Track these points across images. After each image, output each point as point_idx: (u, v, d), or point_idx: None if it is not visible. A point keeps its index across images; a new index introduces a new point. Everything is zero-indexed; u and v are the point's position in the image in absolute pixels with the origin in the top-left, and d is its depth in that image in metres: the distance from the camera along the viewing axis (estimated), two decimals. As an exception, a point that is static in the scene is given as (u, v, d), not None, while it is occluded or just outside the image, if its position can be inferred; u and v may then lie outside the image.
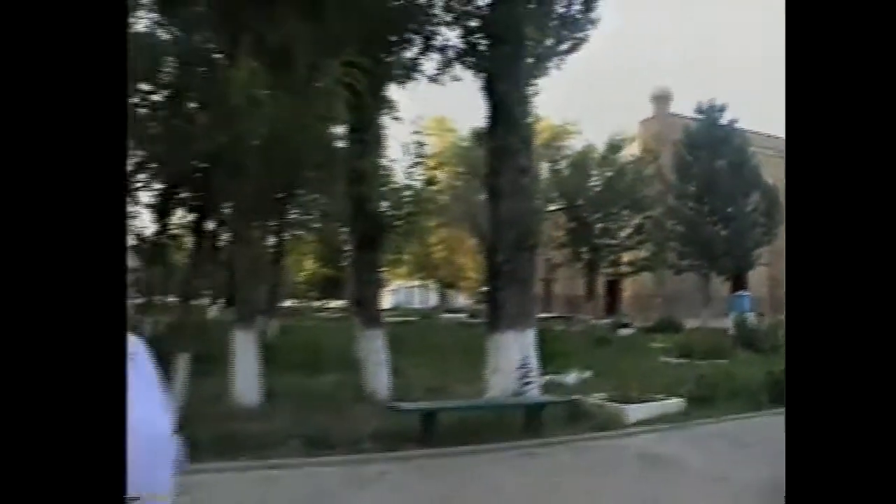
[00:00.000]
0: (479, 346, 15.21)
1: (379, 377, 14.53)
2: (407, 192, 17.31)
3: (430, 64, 17.85)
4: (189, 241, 26.40)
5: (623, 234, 49.30)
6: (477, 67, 15.09)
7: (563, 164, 50.21)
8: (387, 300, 43.60)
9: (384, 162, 16.83)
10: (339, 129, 16.94)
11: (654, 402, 13.44)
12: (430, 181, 18.36)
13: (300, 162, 14.27)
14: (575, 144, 52.46)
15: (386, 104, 17.07)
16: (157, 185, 24.61)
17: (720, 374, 15.81)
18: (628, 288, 56.49)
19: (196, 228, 21.58)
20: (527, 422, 11.84)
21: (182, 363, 12.44)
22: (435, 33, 16.66)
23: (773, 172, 44.85)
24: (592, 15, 16.31)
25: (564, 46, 16.39)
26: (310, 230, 42.44)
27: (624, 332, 35.33)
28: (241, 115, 11.21)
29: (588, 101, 61.19)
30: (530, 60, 14.78)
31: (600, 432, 11.87)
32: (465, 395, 14.46)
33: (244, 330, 13.24)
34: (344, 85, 11.75)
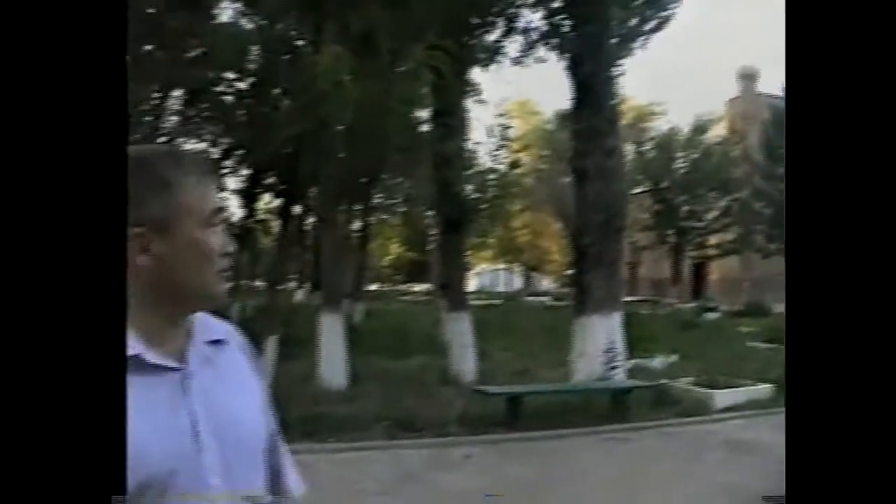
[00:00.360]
0: (564, 330, 15.13)
1: (464, 360, 14.54)
2: (491, 176, 17.29)
3: (513, 46, 17.80)
4: (276, 225, 26.74)
5: (709, 216, 48.58)
6: (561, 49, 14.96)
7: (648, 145, 49.66)
8: (471, 283, 43.64)
9: (468, 145, 16.82)
10: (424, 113, 17.00)
11: (742, 388, 13.21)
12: (514, 164, 18.30)
13: (385, 146, 14.32)
14: (660, 125, 51.87)
15: (470, 87, 17.06)
16: (244, 171, 25.01)
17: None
18: (715, 271, 55.51)
19: (283, 213, 21.80)
20: (613, 406, 11.75)
21: (270, 346, 12.63)
22: (518, 15, 16.60)
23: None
24: (677, -6, 16.08)
25: (649, 26, 16.19)
26: (395, 214, 42.74)
27: (710, 316, 34.69)
28: (326, 101, 11.28)
29: (673, 81, 60.25)
30: (615, 40, 14.61)
31: (687, 418, 11.71)
32: (550, 378, 14.40)
33: (331, 313, 13.37)
34: (428, 68, 11.75)
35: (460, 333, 14.82)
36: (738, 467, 9.19)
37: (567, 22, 14.71)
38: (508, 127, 17.69)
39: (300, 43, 17.18)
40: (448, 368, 14.59)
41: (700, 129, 48.37)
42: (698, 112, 49.49)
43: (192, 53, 18.31)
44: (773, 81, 61.71)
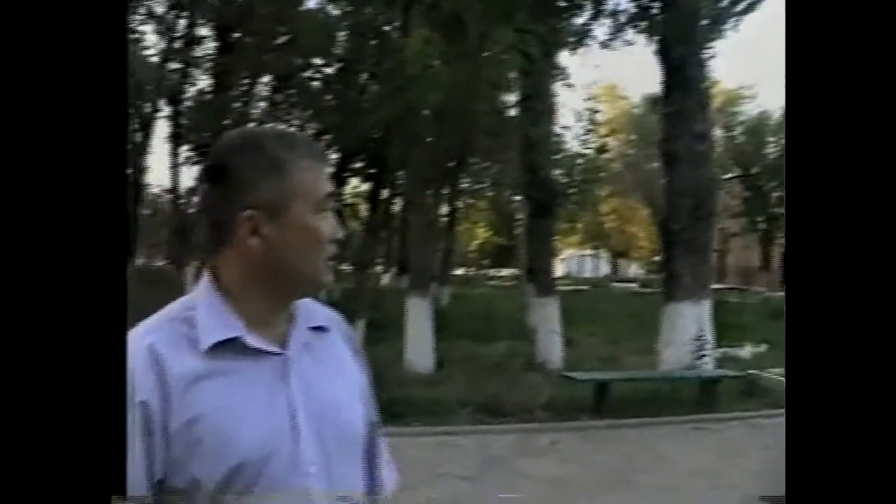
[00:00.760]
0: (651, 317, 14.96)
1: (551, 346, 14.47)
2: (579, 160, 17.17)
3: (601, 29, 17.62)
4: (364, 209, 26.95)
5: (802, 203, 47.47)
6: (650, 31, 14.75)
7: (738, 130, 48.73)
8: (558, 269, 43.60)
9: (556, 129, 16.72)
10: (511, 98, 16.94)
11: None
12: (601, 149, 18.16)
13: (473, 130, 14.30)
14: (751, 109, 50.80)
15: (558, 71, 16.94)
16: (332, 156, 25.25)
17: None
18: (807, 260, 54.30)
19: (370, 197, 21.98)
20: (701, 395, 11.57)
21: (358, 330, 12.73)
22: (606, -2, 16.43)
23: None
24: (770, -26, 15.68)
25: (740, 7, 15.83)
26: (482, 198, 42.74)
27: (801, 305, 33.94)
28: (415, 84, 11.29)
29: (764, 63, 58.99)
30: (705, 22, 14.33)
31: (776, 410, 11.46)
32: (636, 366, 14.27)
33: (418, 297, 13.41)
34: (517, 52, 11.68)
35: (547, 319, 14.75)
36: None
37: (656, 4, 14.49)
38: (596, 111, 17.55)
39: (387, 28, 17.26)
40: (534, 354, 14.54)
41: (793, 113, 47.25)
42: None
43: (281, 40, 18.53)
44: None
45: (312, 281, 1.58)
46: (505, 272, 60.76)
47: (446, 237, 30.42)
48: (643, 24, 15.11)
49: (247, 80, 20.71)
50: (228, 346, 1.48)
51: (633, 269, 74.10)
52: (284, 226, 1.51)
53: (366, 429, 1.73)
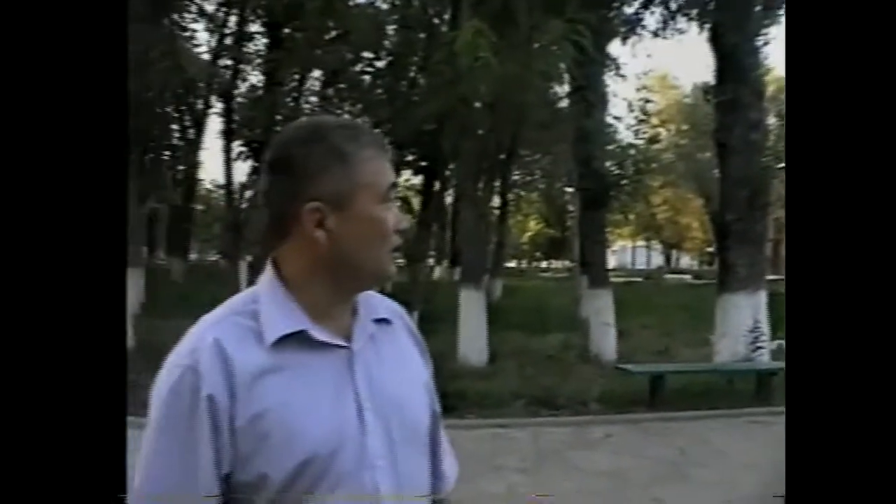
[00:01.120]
0: (705, 308, 14.83)
1: (604, 338, 14.39)
2: (631, 151, 17.06)
3: (652, 18, 17.49)
4: (416, 202, 26.99)
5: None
6: (702, 19, 14.59)
7: (793, 118, 48.01)
8: (610, 261, 43.40)
9: (608, 120, 16.62)
10: (563, 89, 16.86)
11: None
12: (653, 139, 18.03)
13: (524, 122, 14.24)
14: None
15: (609, 61, 16.83)
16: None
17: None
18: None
19: (422, 190, 22.02)
20: (757, 388, 11.42)
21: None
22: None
23: None
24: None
25: (794, -9, 15.60)
26: (533, 190, 42.61)
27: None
28: (467, 77, 11.27)
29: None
30: (758, 8, 14.14)
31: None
32: (691, 358, 14.16)
33: (471, 289, 13.41)
34: (568, 42, 11.60)
35: (600, 311, 14.67)
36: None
37: (708, -9, 14.34)
38: (648, 101, 17.42)
39: (436, 21, 17.26)
40: (587, 346, 14.49)
41: (849, 100, 46.57)
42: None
43: (330, 35, 18.62)
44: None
45: (377, 273, 1.57)
46: (557, 264, 60.61)
47: (498, 229, 30.34)
48: (695, 11, 14.96)
49: (297, 76, 20.83)
50: (293, 340, 1.47)
51: (686, 261, 73.54)
52: (349, 218, 1.50)
53: (430, 421, 1.72)
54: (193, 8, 21.38)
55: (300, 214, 1.48)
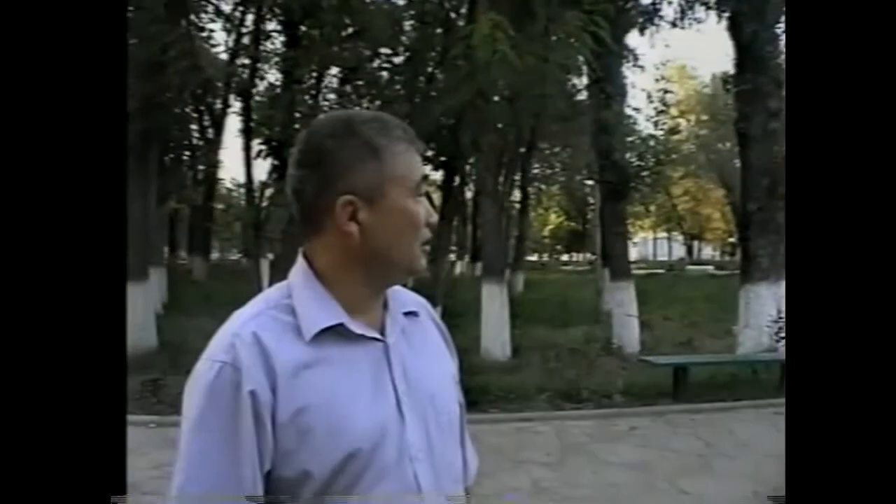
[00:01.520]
0: (727, 299, 14.78)
1: (627, 330, 14.37)
2: (651, 142, 17.01)
3: (670, 8, 17.41)
4: (436, 197, 26.98)
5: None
6: (720, 8, 14.51)
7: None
8: (632, 253, 43.35)
9: (627, 112, 16.57)
10: (581, 81, 16.82)
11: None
12: (673, 130, 17.97)
13: (543, 115, 14.22)
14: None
15: (627, 52, 16.77)
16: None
17: None
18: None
19: (443, 185, 22.02)
20: (781, 379, 11.34)
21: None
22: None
23: None
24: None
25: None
26: (553, 183, 42.57)
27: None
28: (485, 71, 11.24)
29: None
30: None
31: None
32: (714, 349, 14.12)
33: (493, 284, 13.41)
34: (586, 34, 11.55)
35: (623, 303, 14.64)
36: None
37: (727, -21, 14.26)
38: (668, 92, 17.36)
39: (453, 15, 17.24)
40: (610, 339, 14.47)
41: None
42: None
43: (347, 31, 18.63)
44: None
45: (408, 266, 1.57)
46: (578, 257, 60.54)
47: (519, 223, 30.37)
48: (713, 0, 14.87)
49: (315, 73, 20.86)
50: (331, 333, 1.47)
51: (708, 252, 73.26)
52: (381, 211, 1.50)
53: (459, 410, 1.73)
54: (210, 8, 21.45)
55: (333, 208, 1.48)
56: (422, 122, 17.19)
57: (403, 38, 19.96)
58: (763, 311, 12.65)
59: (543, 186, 41.91)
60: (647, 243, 79.67)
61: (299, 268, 1.56)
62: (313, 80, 20.24)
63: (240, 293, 1.60)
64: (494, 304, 13.20)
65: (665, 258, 72.64)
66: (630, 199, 17.08)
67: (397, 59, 20.29)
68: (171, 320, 16.39)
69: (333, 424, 1.41)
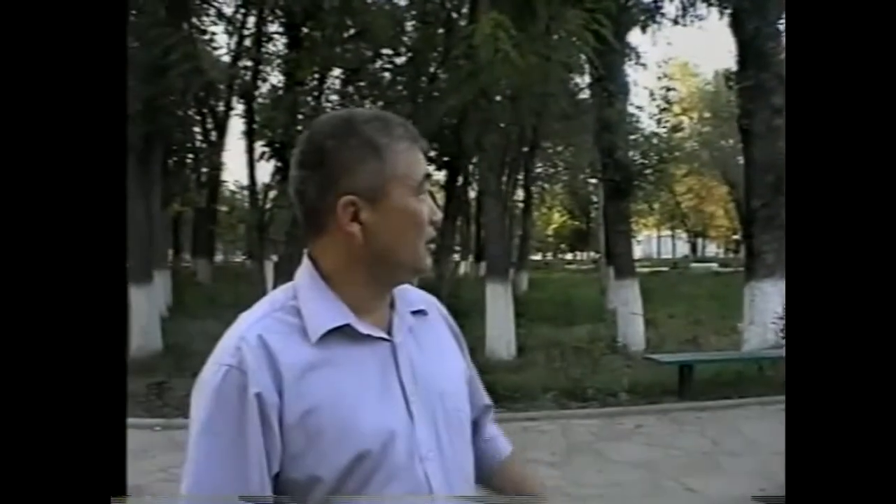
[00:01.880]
0: (732, 297, 14.76)
1: (632, 328, 14.37)
2: (654, 140, 16.98)
3: (671, 6, 17.41)
4: (439, 197, 26.99)
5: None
6: (722, 4, 14.50)
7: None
8: (636, 251, 43.31)
9: (630, 110, 16.55)
10: (583, 79, 16.81)
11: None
12: (676, 128, 17.93)
13: (546, 113, 14.21)
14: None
15: (629, 50, 16.76)
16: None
17: None
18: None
19: (446, 185, 22.02)
20: (788, 375, 11.35)
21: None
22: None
23: None
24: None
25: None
26: (557, 182, 42.58)
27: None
28: (487, 70, 11.24)
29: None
30: (780, -9, 14.04)
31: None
32: (719, 346, 14.11)
33: (497, 283, 13.40)
34: (588, 32, 11.54)
35: (628, 301, 14.64)
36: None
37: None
38: (670, 89, 17.33)
39: (455, 15, 17.24)
40: (615, 337, 14.46)
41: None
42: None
43: (349, 32, 18.64)
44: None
45: (413, 265, 1.56)
46: (582, 256, 60.55)
47: (522, 223, 30.38)
48: (714, -3, 14.87)
49: (317, 75, 20.87)
50: (337, 334, 1.47)
51: (712, 249, 73.22)
52: (384, 211, 1.49)
53: (472, 411, 1.73)
54: (212, 11, 21.48)
55: (335, 209, 1.47)
56: (424, 122, 17.20)
57: (405, 39, 19.97)
58: (768, 307, 12.64)
59: (547, 185, 41.92)
60: (650, 241, 79.66)
61: (304, 269, 1.55)
62: (315, 82, 20.22)
63: (244, 295, 1.60)
64: (499, 304, 13.20)
65: (669, 256, 72.61)
66: (633, 197, 17.02)
67: (399, 60, 20.30)
68: (175, 323, 16.41)
69: (341, 426, 1.41)
